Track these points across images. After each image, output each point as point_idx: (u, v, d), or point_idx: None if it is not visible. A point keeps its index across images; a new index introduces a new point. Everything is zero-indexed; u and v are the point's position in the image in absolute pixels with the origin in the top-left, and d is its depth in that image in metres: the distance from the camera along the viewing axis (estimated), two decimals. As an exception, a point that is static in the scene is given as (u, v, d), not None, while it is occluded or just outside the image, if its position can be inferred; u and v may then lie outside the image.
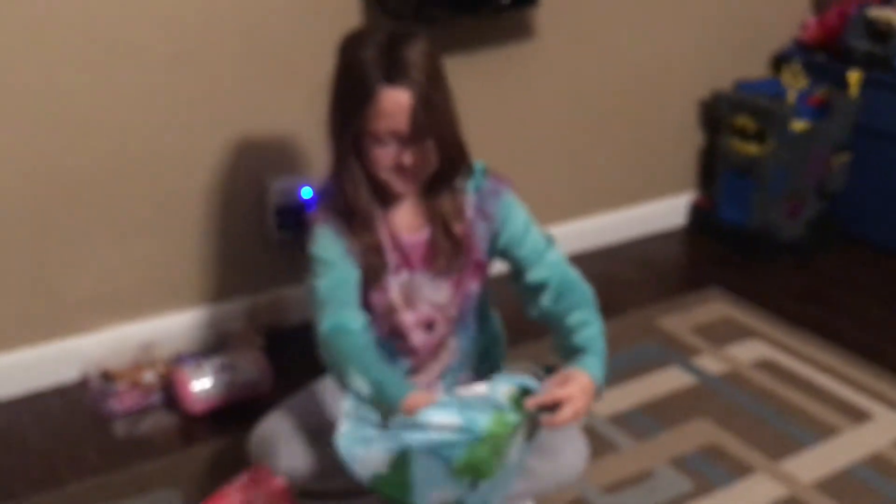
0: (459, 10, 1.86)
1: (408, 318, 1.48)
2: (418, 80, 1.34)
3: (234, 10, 1.89)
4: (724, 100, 2.59)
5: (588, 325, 1.44)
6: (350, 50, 1.38)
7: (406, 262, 1.47)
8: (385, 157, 1.37)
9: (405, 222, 1.47)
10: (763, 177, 2.53)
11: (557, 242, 1.51)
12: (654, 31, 2.50)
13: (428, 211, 1.46)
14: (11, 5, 1.68)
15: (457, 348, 1.54)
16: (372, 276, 1.45)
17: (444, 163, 1.41)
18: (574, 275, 1.49)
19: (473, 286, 1.50)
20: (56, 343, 1.91)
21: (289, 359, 1.93)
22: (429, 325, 1.50)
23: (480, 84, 2.23)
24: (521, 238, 1.48)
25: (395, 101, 1.33)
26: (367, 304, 1.47)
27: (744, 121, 2.54)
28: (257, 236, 2.07)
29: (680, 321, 2.23)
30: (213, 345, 2.03)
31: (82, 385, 1.91)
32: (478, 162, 1.50)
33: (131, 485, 1.64)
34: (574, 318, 1.44)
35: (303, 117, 2.00)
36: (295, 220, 2.04)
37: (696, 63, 2.63)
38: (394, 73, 1.33)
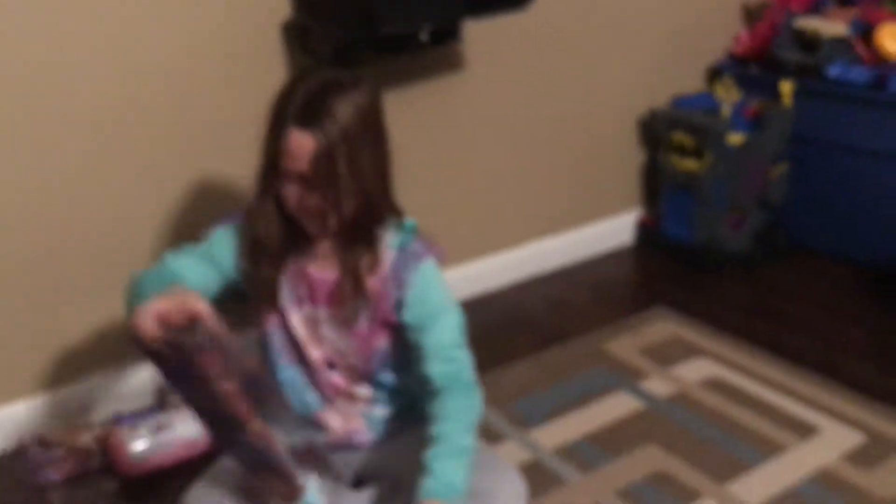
0: (381, 50, 1.85)
1: (313, 353, 1.48)
2: (329, 129, 1.33)
3: (156, 67, 1.86)
4: (661, 117, 2.60)
5: (441, 440, 1.41)
6: (287, 86, 1.40)
7: (311, 296, 1.46)
8: (291, 196, 1.38)
9: (317, 260, 1.47)
10: (703, 192, 2.53)
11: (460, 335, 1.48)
12: (586, 53, 2.50)
13: (340, 258, 1.45)
14: None
15: (370, 398, 1.52)
16: (262, 299, 1.46)
17: (360, 215, 1.40)
18: (466, 380, 1.46)
19: (381, 342, 1.48)
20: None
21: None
22: (331, 365, 1.49)
23: (413, 119, 2.23)
24: (428, 325, 1.45)
25: (299, 145, 1.34)
26: (266, 332, 1.49)
27: (681, 137, 2.54)
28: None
29: (627, 344, 2.22)
30: (152, 403, 1.99)
31: (17, 454, 1.87)
32: (409, 220, 1.49)
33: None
34: (434, 429, 1.42)
35: (226, 167, 1.99)
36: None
37: (631, 81, 2.63)
38: (306, 117, 1.34)
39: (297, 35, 1.99)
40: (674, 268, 2.63)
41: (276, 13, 1.96)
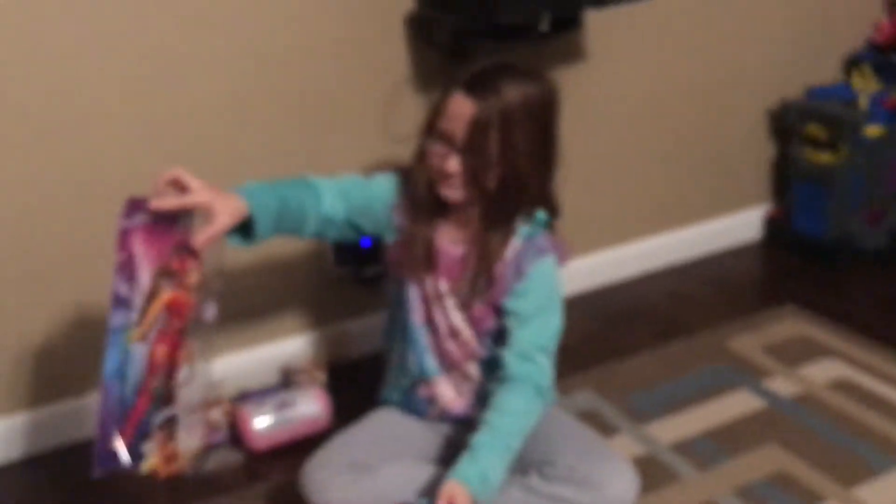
0: (499, 39, 1.86)
1: (440, 320, 1.53)
2: (491, 103, 1.40)
3: (280, 56, 1.93)
4: (793, 108, 2.51)
5: (496, 432, 1.42)
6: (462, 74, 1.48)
7: (436, 268, 1.50)
8: (434, 155, 1.44)
9: (449, 233, 1.51)
10: (838, 185, 2.43)
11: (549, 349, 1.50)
12: (714, 42, 2.44)
13: (473, 236, 1.48)
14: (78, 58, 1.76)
15: (480, 380, 1.54)
16: (418, 257, 1.50)
17: (502, 196, 1.43)
18: (538, 385, 1.47)
19: (491, 325, 1.50)
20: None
21: (350, 394, 1.95)
22: (454, 335, 1.53)
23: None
24: (526, 318, 1.48)
25: (460, 109, 1.41)
26: (404, 287, 1.53)
27: (815, 129, 2.44)
28: (317, 272, 2.10)
29: (751, 341, 2.16)
30: (277, 381, 2.07)
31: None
32: (541, 212, 1.51)
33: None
34: (492, 417, 1.44)
35: (353, 155, 2.04)
36: (353, 255, 2.07)
37: (763, 71, 2.55)
38: (474, 86, 1.42)
39: (419, 26, 2.02)
40: (804, 264, 2.53)
41: (401, 5, 2.00)
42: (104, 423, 1.23)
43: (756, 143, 2.63)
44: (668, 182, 2.52)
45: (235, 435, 1.91)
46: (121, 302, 1.23)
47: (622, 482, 1.44)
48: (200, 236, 1.25)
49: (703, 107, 2.50)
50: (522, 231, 1.50)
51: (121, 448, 1.23)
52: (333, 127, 2.02)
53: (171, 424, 1.25)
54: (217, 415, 1.93)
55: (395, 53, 2.03)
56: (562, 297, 1.54)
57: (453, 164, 1.42)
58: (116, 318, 1.23)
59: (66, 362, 1.91)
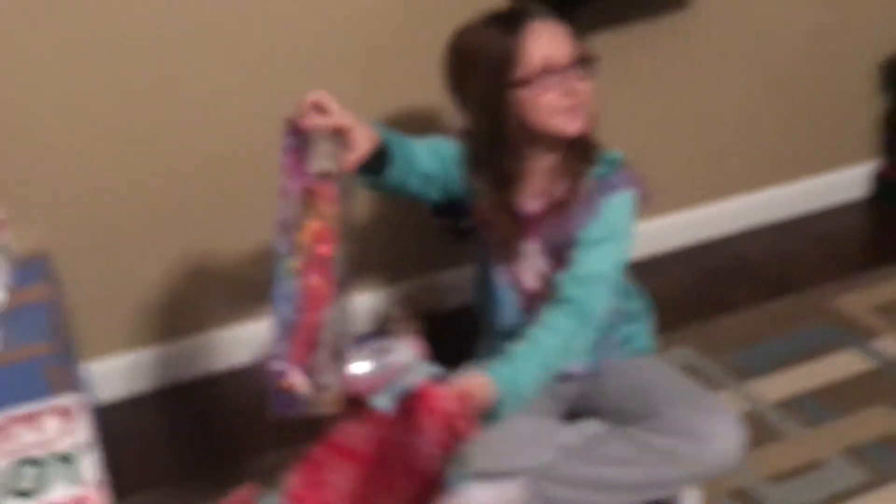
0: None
1: (527, 281, 1.52)
2: (565, 23, 1.39)
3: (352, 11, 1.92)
4: (910, 59, 2.39)
5: (536, 344, 1.39)
6: (470, 33, 1.44)
7: (521, 231, 1.49)
8: (553, 94, 1.38)
9: (525, 190, 1.49)
10: (957, 141, 2.31)
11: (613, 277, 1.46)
12: (829, -6, 2.34)
13: (549, 186, 1.46)
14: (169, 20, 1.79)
15: None
16: (499, 235, 1.49)
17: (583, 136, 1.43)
18: (589, 311, 1.43)
19: None
20: (230, 329, 2.04)
21: (445, 343, 1.95)
22: (537, 295, 1.51)
23: (637, 58, 2.17)
24: (590, 245, 1.44)
25: (549, 30, 1.38)
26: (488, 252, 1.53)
27: (933, 81, 2.33)
28: (413, 223, 2.10)
29: (860, 300, 2.09)
30: (374, 329, 2.09)
31: (255, 367, 2.02)
32: (615, 151, 1.48)
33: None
34: (536, 332, 1.41)
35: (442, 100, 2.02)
36: (450, 206, 2.06)
37: (876, 22, 2.43)
38: (533, 13, 1.39)
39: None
40: (915, 223, 2.43)
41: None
42: (275, 356, 1.23)
43: (868, 97, 2.51)
44: (775, 135, 2.43)
45: (334, 380, 1.94)
46: (283, 227, 1.23)
47: (728, 434, 1.41)
48: (350, 157, 1.25)
49: (813, 57, 2.39)
50: (596, 171, 1.47)
51: (298, 381, 1.22)
52: (399, 80, 2.00)
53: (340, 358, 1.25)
54: (317, 358, 1.96)
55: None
56: (630, 230, 1.49)
57: (579, 82, 1.39)
58: (280, 245, 1.22)
59: (186, 302, 1.98)
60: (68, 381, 1.33)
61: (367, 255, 2.09)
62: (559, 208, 1.46)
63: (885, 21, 2.43)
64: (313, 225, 1.23)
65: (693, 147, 2.34)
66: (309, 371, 1.24)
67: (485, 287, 1.60)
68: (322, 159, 1.25)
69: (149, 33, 1.77)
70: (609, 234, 1.45)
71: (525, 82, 1.38)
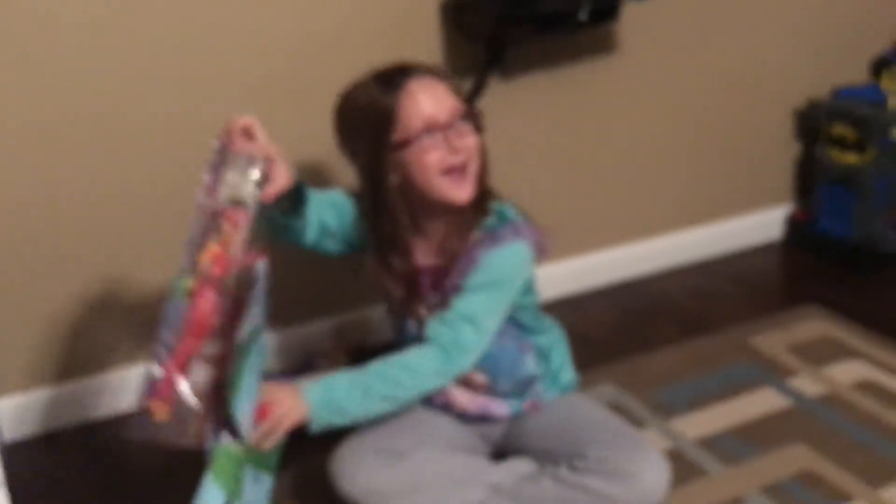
0: (538, 29, 1.85)
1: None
2: (449, 80, 1.40)
3: (313, 38, 1.92)
4: (821, 108, 2.50)
5: (363, 367, 1.41)
6: (355, 92, 1.44)
7: (420, 291, 1.49)
8: (436, 153, 1.35)
9: (420, 248, 1.48)
10: (864, 187, 2.42)
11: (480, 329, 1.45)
12: (745, 39, 2.43)
13: (441, 243, 1.46)
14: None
15: (486, 384, 1.57)
16: (399, 298, 1.49)
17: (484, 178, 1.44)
18: (446, 343, 1.42)
19: None
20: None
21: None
22: None
23: (562, 100, 2.22)
24: (463, 292, 1.43)
25: (429, 87, 1.36)
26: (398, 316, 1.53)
27: (842, 130, 2.43)
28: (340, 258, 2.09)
29: (775, 340, 2.15)
30: (300, 364, 2.06)
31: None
32: (509, 205, 1.48)
33: None
34: (375, 363, 1.42)
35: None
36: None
37: (791, 71, 2.54)
38: (420, 72, 1.38)
39: (453, 14, 2.01)
40: (827, 265, 2.52)
41: (435, -8, 1.99)
42: (148, 375, 1.18)
43: (781, 142, 2.62)
44: (693, 178, 2.51)
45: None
46: (189, 244, 1.20)
47: (654, 472, 1.43)
48: (269, 189, 1.23)
49: (730, 104, 2.48)
50: (487, 224, 1.45)
51: (161, 409, 1.18)
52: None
53: (216, 391, 1.20)
54: (240, 396, 1.92)
55: (427, 42, 2.02)
56: (509, 280, 1.46)
57: (458, 139, 1.35)
58: (182, 261, 1.20)
59: (87, 339, 1.91)
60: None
61: (295, 287, 2.06)
62: (449, 260, 1.45)
63: (799, 70, 2.54)
64: (214, 248, 1.21)
65: (614, 187, 2.39)
66: (175, 399, 1.19)
67: (399, 334, 1.59)
68: (239, 184, 1.23)
69: (74, 49, 1.73)
70: (486, 282, 1.43)
71: (405, 143, 1.35)
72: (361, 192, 1.46)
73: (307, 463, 1.73)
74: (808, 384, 1.98)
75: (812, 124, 2.54)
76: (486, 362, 1.50)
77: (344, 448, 1.49)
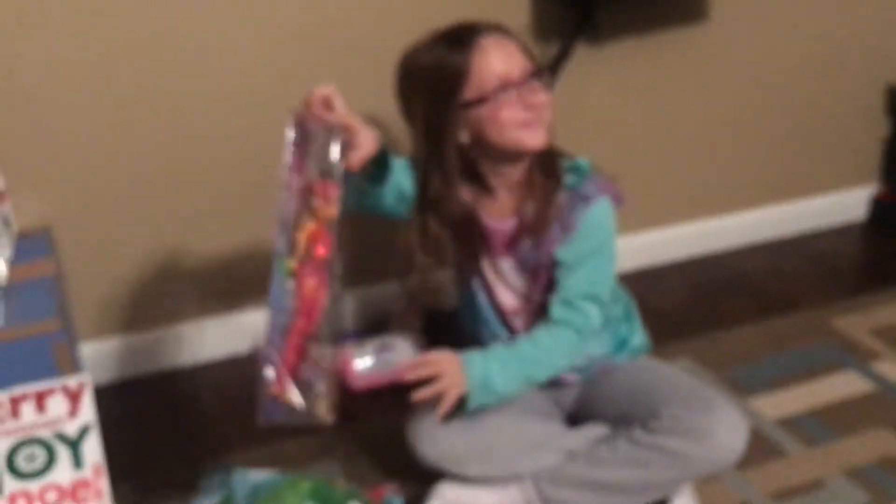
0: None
1: (504, 299, 1.51)
2: (512, 34, 1.38)
3: (404, 5, 1.91)
4: (916, 86, 2.41)
5: (512, 346, 1.43)
6: (418, 52, 1.41)
7: (489, 248, 1.47)
8: (512, 109, 1.34)
9: (494, 209, 1.46)
10: (957, 170, 2.34)
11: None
12: (837, 12, 2.34)
13: (518, 204, 1.44)
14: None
15: None
16: (467, 253, 1.48)
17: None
18: (578, 328, 1.44)
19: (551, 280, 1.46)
20: (232, 316, 2.00)
21: (446, 341, 1.94)
22: (515, 312, 1.51)
23: (649, 69, 2.17)
24: (574, 266, 1.43)
25: (500, 45, 1.35)
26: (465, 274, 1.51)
27: (938, 109, 2.35)
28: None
29: (858, 322, 2.10)
30: (375, 324, 2.07)
31: (253, 356, 1.99)
32: (581, 159, 1.46)
33: (297, 454, 1.70)
34: (520, 341, 1.44)
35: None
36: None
37: (883, 46, 2.45)
38: (487, 30, 1.36)
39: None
40: (910, 248, 2.45)
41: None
42: (267, 360, 1.18)
43: (870, 120, 2.53)
44: (776, 153, 2.44)
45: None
46: (282, 224, 1.20)
47: (730, 431, 1.40)
48: (354, 157, 1.22)
49: (819, 78, 2.41)
50: (567, 181, 1.44)
51: (290, 391, 1.18)
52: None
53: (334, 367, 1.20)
54: (318, 352, 1.93)
55: (515, 3, 1.98)
56: (612, 240, 1.48)
57: (537, 93, 1.36)
58: (279, 242, 1.19)
59: (158, 293, 1.94)
60: (74, 360, 1.30)
61: (366, 250, 2.06)
62: (534, 228, 1.44)
63: (892, 45, 2.45)
64: (310, 225, 1.20)
65: (697, 160, 2.35)
66: (301, 379, 1.19)
67: (467, 305, 1.58)
68: (325, 157, 1.21)
69: (158, 14, 1.74)
70: (591, 252, 1.43)
71: (482, 99, 1.34)
72: (423, 152, 1.44)
73: (380, 421, 1.75)
74: (891, 369, 1.93)
75: (904, 102, 2.46)
76: None
77: (423, 409, 1.49)
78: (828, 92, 2.44)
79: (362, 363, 1.86)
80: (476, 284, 1.53)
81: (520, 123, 1.36)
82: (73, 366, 1.28)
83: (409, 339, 1.92)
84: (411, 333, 1.94)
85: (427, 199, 1.44)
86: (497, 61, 1.34)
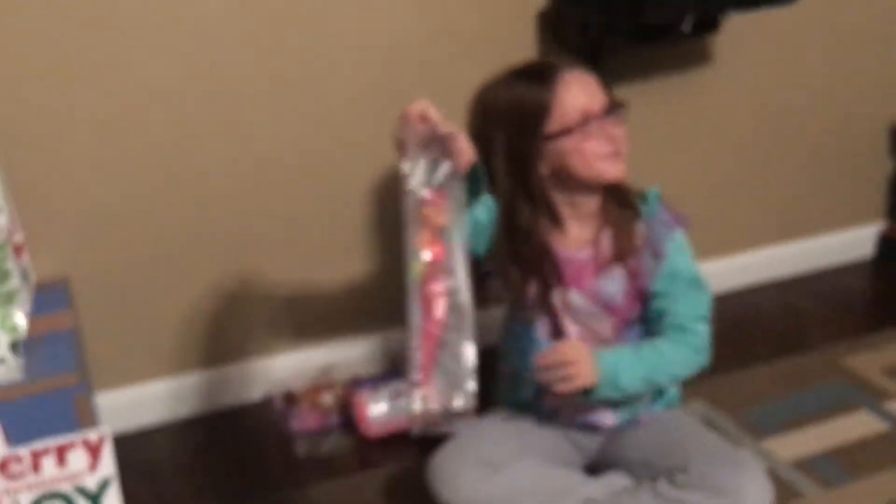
0: (640, 39, 1.84)
1: (570, 329, 1.50)
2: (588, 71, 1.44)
3: (413, 44, 1.93)
4: (920, 124, 2.43)
5: (638, 350, 1.46)
6: (496, 89, 1.46)
7: (560, 279, 1.48)
8: (595, 141, 1.40)
9: (564, 240, 1.48)
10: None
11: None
12: (841, 53, 2.37)
13: (594, 233, 1.46)
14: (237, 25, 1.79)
15: None
16: (540, 284, 1.48)
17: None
18: (697, 345, 1.49)
19: (636, 315, 1.48)
20: (242, 364, 2.01)
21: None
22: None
23: (657, 112, 2.19)
24: (677, 296, 1.47)
25: (581, 79, 1.41)
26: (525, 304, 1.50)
27: (943, 147, 2.37)
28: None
29: (870, 361, 2.10)
30: (388, 370, 2.07)
31: (266, 405, 2.00)
32: (652, 188, 1.49)
33: (313, 503, 1.70)
34: (652, 340, 1.48)
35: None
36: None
37: (886, 86, 2.48)
38: (566, 67, 1.42)
39: (550, 23, 2.00)
40: (920, 286, 2.46)
41: (533, 2, 1.98)
42: (413, 368, 1.17)
43: (875, 159, 2.56)
44: (786, 192, 2.46)
45: (347, 420, 1.92)
46: (406, 230, 1.20)
47: (756, 489, 1.41)
48: (460, 161, 1.20)
49: (824, 119, 2.43)
50: (643, 211, 1.48)
51: (431, 397, 1.16)
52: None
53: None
54: (329, 399, 1.94)
55: (523, 51, 2.01)
56: (698, 266, 1.54)
57: (616, 126, 1.41)
58: (407, 244, 1.19)
59: (230, 328, 1.97)
60: (93, 412, 1.31)
61: (379, 294, 2.08)
62: (621, 256, 1.47)
63: (891, 87, 2.48)
64: (426, 235, 1.21)
65: (706, 201, 2.36)
66: (437, 384, 1.18)
67: (515, 340, 1.58)
68: (430, 168, 1.23)
69: (182, 58, 1.77)
70: (691, 278, 1.49)
71: (566, 131, 1.39)
72: (507, 186, 1.45)
73: (400, 464, 1.75)
74: (905, 408, 1.93)
75: (909, 141, 2.48)
76: None
77: (443, 455, 1.50)
78: (833, 132, 2.46)
79: (377, 409, 1.86)
80: (538, 318, 1.52)
81: (603, 155, 1.41)
82: (93, 419, 1.29)
83: (423, 385, 1.92)
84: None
85: (513, 232, 1.45)
86: (580, 95, 1.40)
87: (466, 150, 1.24)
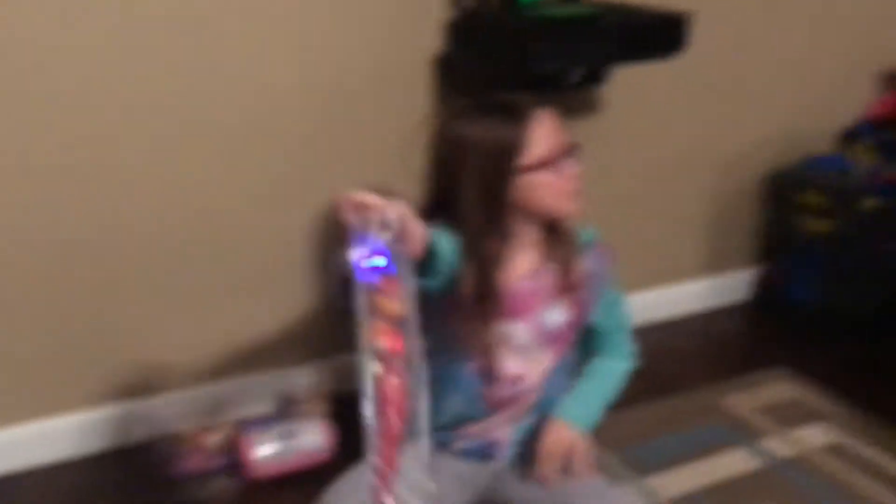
0: (528, 88, 1.88)
1: (508, 367, 1.49)
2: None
3: (309, 90, 1.95)
4: (791, 176, 2.58)
5: (596, 376, 1.57)
6: (462, 124, 1.43)
7: (505, 311, 1.47)
8: (558, 178, 1.43)
9: (515, 271, 1.48)
10: (833, 254, 2.49)
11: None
12: (720, 110, 2.50)
13: (538, 263, 1.49)
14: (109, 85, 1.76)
15: (534, 400, 1.54)
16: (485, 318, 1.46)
17: None
18: (627, 353, 1.62)
19: (572, 339, 1.52)
20: (125, 404, 1.95)
21: (353, 425, 1.92)
22: (518, 378, 1.50)
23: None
24: (608, 313, 1.57)
25: (551, 117, 1.44)
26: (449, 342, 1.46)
27: (813, 197, 2.51)
28: (322, 303, 2.09)
29: (745, 401, 2.19)
30: (278, 410, 2.04)
31: (148, 446, 1.94)
32: (587, 228, 1.55)
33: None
34: (590, 366, 1.58)
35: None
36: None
37: (762, 139, 2.62)
38: (534, 103, 1.44)
39: (445, 69, 2.05)
40: (794, 329, 2.58)
41: (429, 47, 2.02)
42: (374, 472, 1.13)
43: (751, 208, 2.69)
44: (663, 237, 2.56)
45: (234, 461, 1.88)
46: (360, 324, 1.12)
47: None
48: (413, 245, 1.15)
49: (704, 169, 2.56)
50: (582, 237, 1.53)
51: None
52: (348, 164, 2.02)
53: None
54: (216, 440, 1.90)
55: (418, 96, 2.05)
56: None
57: (578, 168, 1.47)
58: (361, 340, 1.12)
59: (117, 367, 1.93)
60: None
61: (273, 335, 2.06)
62: (571, 286, 1.50)
63: (771, 138, 2.63)
64: (380, 325, 1.13)
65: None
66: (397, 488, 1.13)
67: (443, 375, 1.56)
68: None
69: (61, 93, 1.73)
70: (616, 295, 1.60)
71: (542, 166, 1.41)
72: (478, 218, 1.42)
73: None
74: (778, 445, 2.02)
75: (782, 191, 2.62)
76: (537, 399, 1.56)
77: (327, 500, 1.48)
78: (711, 181, 2.58)
79: (263, 450, 1.83)
80: (468, 352, 1.48)
81: (567, 192, 1.45)
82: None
83: (314, 426, 1.90)
84: (315, 418, 1.93)
85: (481, 263, 1.43)
86: (552, 132, 1.42)
87: (419, 229, 1.18)
